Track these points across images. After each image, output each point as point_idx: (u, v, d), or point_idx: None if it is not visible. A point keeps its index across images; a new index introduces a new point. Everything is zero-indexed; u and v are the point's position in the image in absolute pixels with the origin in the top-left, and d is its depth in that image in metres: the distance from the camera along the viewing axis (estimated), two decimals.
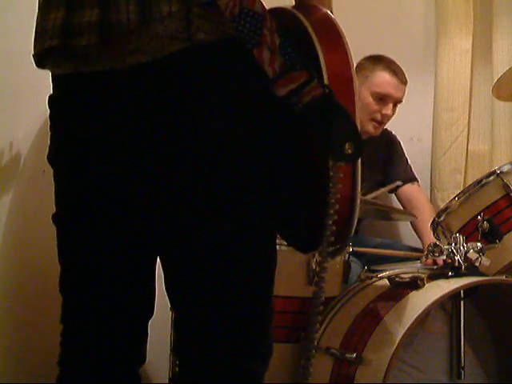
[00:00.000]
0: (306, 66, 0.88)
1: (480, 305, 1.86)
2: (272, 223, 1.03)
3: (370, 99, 2.50)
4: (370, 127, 2.52)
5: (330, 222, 0.91)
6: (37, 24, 1.01)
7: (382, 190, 2.45)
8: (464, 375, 1.78)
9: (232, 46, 0.93)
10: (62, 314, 1.07)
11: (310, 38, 0.90)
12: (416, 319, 1.60)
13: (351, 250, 2.02)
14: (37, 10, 1.01)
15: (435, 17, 3.00)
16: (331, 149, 0.88)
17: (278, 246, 1.88)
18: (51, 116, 1.06)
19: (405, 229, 2.86)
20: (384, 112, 2.50)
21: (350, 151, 0.87)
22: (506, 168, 2.08)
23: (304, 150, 0.97)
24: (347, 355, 1.67)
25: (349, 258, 2.00)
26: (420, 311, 1.61)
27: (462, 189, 2.40)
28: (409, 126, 2.99)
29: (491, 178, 2.08)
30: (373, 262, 2.21)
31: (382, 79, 2.51)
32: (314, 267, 1.88)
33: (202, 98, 0.93)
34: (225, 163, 0.95)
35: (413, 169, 2.78)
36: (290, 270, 1.91)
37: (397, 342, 1.57)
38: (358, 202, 0.93)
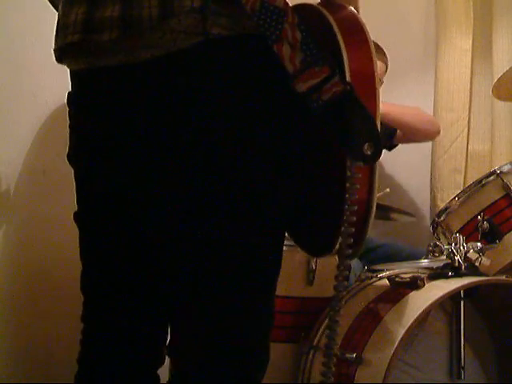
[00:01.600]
0: (328, 62, 0.86)
1: (480, 305, 1.86)
2: (283, 225, 1.01)
3: None
4: None
5: (348, 224, 0.89)
6: (59, 19, 1.01)
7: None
8: (464, 375, 1.78)
9: (250, 42, 0.92)
10: (83, 312, 1.08)
11: (334, 35, 0.89)
12: (416, 319, 1.60)
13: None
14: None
15: (435, 17, 3.00)
16: (350, 148, 0.86)
17: None
18: (70, 113, 1.06)
19: (405, 229, 2.86)
20: None
21: (369, 152, 0.85)
22: (506, 168, 2.08)
23: (322, 148, 0.96)
24: (347, 355, 1.67)
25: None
26: (420, 311, 1.61)
27: (462, 189, 2.40)
28: None
29: (491, 178, 2.08)
30: (373, 262, 2.21)
31: None
32: (313, 267, 1.88)
33: (215, 93, 0.92)
34: (237, 161, 0.93)
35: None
36: (289, 270, 1.91)
37: (397, 342, 1.57)
38: (375, 204, 0.91)
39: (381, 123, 2.75)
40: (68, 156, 1.06)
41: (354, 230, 0.89)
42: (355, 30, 0.91)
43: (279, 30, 0.86)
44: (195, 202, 0.95)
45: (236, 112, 0.92)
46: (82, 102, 1.01)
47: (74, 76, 1.02)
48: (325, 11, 0.93)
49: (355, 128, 0.85)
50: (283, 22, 0.86)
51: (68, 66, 1.02)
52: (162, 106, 0.93)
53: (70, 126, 1.05)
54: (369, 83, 0.90)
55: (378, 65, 2.44)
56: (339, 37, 0.88)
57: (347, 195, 0.88)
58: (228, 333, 0.99)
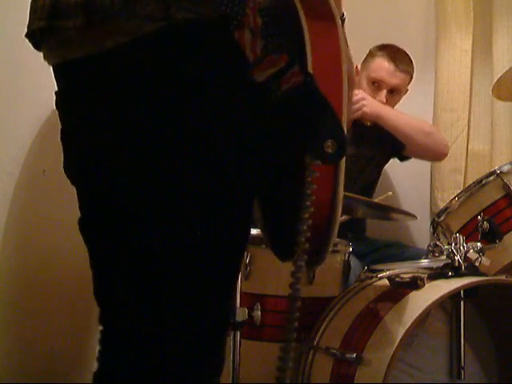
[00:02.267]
0: (287, 50, 0.79)
1: (480, 305, 1.86)
2: (238, 226, 0.92)
3: (365, 84, 2.49)
4: None
5: (305, 228, 0.81)
6: (30, 4, 0.97)
7: (378, 199, 2.46)
8: (464, 375, 1.78)
9: (213, 27, 0.85)
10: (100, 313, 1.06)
11: (298, 19, 0.80)
12: (416, 319, 1.60)
13: (351, 249, 2.03)
14: None
15: (435, 17, 3.00)
16: (308, 145, 0.78)
17: None
18: (59, 117, 1.02)
19: (405, 229, 2.86)
20: (378, 98, 2.46)
21: (330, 150, 0.77)
22: (506, 168, 2.08)
23: (280, 144, 0.87)
24: (347, 355, 1.67)
25: (349, 257, 2.00)
26: (420, 311, 1.61)
27: (462, 189, 2.40)
28: None
29: (491, 178, 2.08)
30: (373, 262, 2.21)
31: (378, 64, 2.49)
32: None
33: (177, 80, 0.86)
34: (192, 152, 0.86)
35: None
36: (289, 271, 1.91)
37: (397, 342, 1.57)
38: (339, 207, 0.83)
39: (391, 134, 2.71)
40: (64, 168, 1.01)
41: (309, 234, 0.81)
42: (323, 16, 0.81)
43: (241, 16, 0.81)
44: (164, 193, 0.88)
45: (197, 100, 0.86)
46: (62, 103, 0.98)
47: (53, 72, 0.99)
48: None
49: (315, 123, 0.77)
50: (245, 7, 0.80)
51: (47, 61, 0.99)
52: (131, 96, 0.88)
53: (61, 131, 1.00)
54: (334, 75, 0.80)
55: (401, 76, 2.48)
56: (303, 21, 0.78)
57: (304, 196, 0.80)
58: (176, 330, 0.90)
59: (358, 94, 2.44)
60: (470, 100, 2.96)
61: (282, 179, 0.89)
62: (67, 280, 1.91)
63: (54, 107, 0.99)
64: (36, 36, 0.96)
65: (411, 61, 2.55)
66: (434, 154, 2.65)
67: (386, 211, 2.35)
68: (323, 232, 0.85)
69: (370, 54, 2.53)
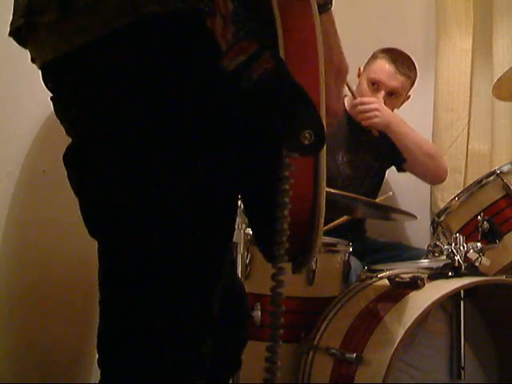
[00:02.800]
0: (258, 36, 0.74)
1: (480, 305, 1.86)
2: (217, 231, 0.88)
3: (365, 85, 2.48)
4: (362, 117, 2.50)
5: (284, 226, 0.75)
6: (14, 2, 0.96)
7: (379, 199, 2.47)
8: (464, 375, 1.78)
9: (183, 18, 0.81)
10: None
11: (269, 3, 0.75)
12: (416, 319, 1.60)
13: (351, 249, 2.03)
14: None
15: (435, 17, 3.00)
16: (284, 136, 0.73)
17: None
18: None
19: (405, 229, 2.87)
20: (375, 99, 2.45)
21: (307, 141, 0.72)
22: (506, 168, 2.08)
23: (255, 136, 0.82)
24: (347, 355, 1.67)
25: (349, 257, 2.00)
26: (420, 311, 1.61)
27: (462, 189, 2.40)
28: None
29: (491, 178, 2.08)
30: (373, 262, 2.21)
31: (379, 66, 2.48)
32: (313, 267, 1.88)
33: (150, 77, 0.83)
34: (162, 148, 0.83)
35: None
36: (289, 270, 1.91)
37: (397, 341, 1.57)
38: (322, 203, 0.77)
39: (394, 146, 2.70)
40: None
41: (288, 232, 0.76)
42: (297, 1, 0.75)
43: (211, 1, 0.76)
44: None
45: (173, 94, 0.83)
46: (54, 106, 0.98)
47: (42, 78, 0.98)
48: None
49: (289, 112, 0.73)
50: None
51: (35, 64, 0.98)
52: (107, 97, 0.86)
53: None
54: (310, 61, 0.74)
55: (401, 79, 2.47)
56: (275, 6, 0.73)
57: (280, 192, 0.75)
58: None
59: (373, 102, 2.43)
60: (470, 100, 2.96)
61: (259, 175, 0.85)
62: (67, 280, 1.91)
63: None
64: (18, 35, 0.95)
65: (414, 66, 2.54)
66: (432, 177, 2.66)
67: (386, 211, 2.35)
68: (307, 230, 0.79)
69: (373, 56, 2.53)
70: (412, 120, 2.99)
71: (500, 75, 2.34)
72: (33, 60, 0.97)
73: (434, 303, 1.63)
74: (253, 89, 0.73)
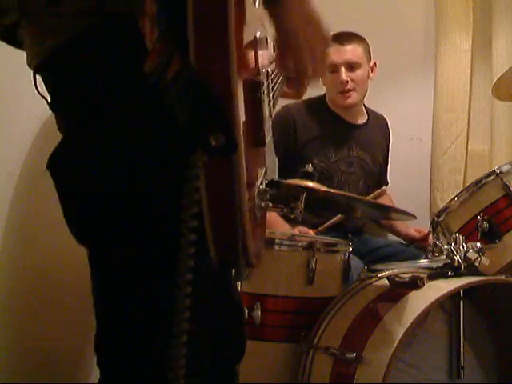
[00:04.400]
0: (169, 38, 0.73)
1: (480, 305, 1.86)
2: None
3: (327, 75, 2.49)
4: (339, 100, 2.52)
5: (187, 230, 0.74)
6: None
7: (371, 195, 2.47)
8: (463, 375, 1.78)
9: (131, 19, 0.79)
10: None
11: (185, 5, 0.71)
12: (416, 319, 1.60)
13: (351, 249, 2.03)
14: None
15: (435, 17, 3.01)
16: (189, 137, 0.71)
17: (278, 246, 1.91)
18: None
19: None
20: (340, 79, 2.46)
21: (214, 143, 0.70)
22: (505, 168, 2.08)
23: (169, 141, 0.81)
24: (347, 355, 1.67)
25: (349, 257, 2.01)
26: (420, 311, 1.61)
27: (461, 189, 2.40)
28: (409, 126, 3.00)
29: (491, 178, 2.08)
30: (373, 262, 2.21)
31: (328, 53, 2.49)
32: (313, 267, 1.88)
33: (120, 78, 0.83)
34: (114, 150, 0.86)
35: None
36: (289, 270, 1.91)
37: (396, 341, 1.57)
38: (243, 209, 0.74)
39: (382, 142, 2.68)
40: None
41: (193, 236, 0.74)
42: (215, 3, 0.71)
43: (141, 2, 0.75)
44: None
45: (132, 98, 0.83)
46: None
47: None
48: None
49: (195, 115, 0.71)
50: None
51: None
52: (77, 103, 0.88)
53: None
54: (221, 63, 0.70)
55: (348, 49, 2.48)
56: (189, 7, 0.70)
57: (186, 196, 0.73)
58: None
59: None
60: (470, 100, 2.96)
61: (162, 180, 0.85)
62: (67, 280, 1.91)
63: None
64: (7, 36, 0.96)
65: (358, 36, 2.52)
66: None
67: (386, 211, 2.35)
68: (230, 234, 0.75)
69: None
70: (412, 120, 3.01)
71: (500, 75, 2.34)
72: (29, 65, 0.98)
73: (433, 303, 1.63)
74: (166, 90, 0.73)
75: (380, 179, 2.70)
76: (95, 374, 2.18)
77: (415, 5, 3.05)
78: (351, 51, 2.47)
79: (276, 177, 2.37)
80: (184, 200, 0.74)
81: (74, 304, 1.95)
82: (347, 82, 2.47)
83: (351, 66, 2.48)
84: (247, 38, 0.81)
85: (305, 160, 2.28)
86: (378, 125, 2.70)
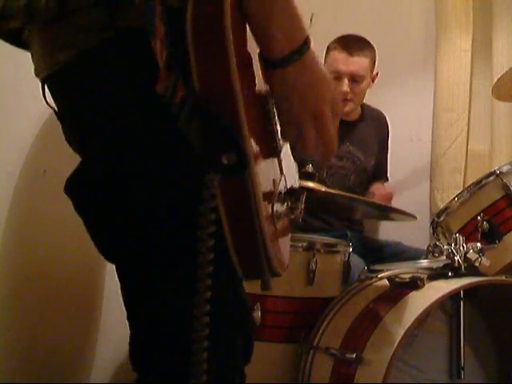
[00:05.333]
0: (175, 62, 0.73)
1: (480, 305, 1.86)
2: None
3: None
4: None
5: (206, 249, 0.75)
6: None
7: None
8: (464, 375, 1.78)
9: (143, 35, 0.78)
10: None
11: (184, 29, 0.72)
12: (416, 319, 1.60)
13: (351, 249, 2.03)
14: None
15: (435, 17, 3.01)
16: (203, 159, 0.73)
17: None
18: None
19: (405, 229, 2.86)
20: (341, 89, 2.45)
21: (226, 162, 0.71)
22: (505, 168, 2.08)
23: (181, 159, 0.83)
24: (347, 355, 1.67)
25: (349, 257, 2.00)
26: (420, 311, 1.61)
27: (461, 189, 2.40)
28: (409, 126, 3.00)
29: (491, 178, 2.08)
30: (373, 262, 2.21)
31: (333, 57, 2.48)
32: (313, 267, 1.88)
33: (132, 93, 0.85)
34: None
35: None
36: (290, 271, 1.91)
37: (397, 342, 1.57)
38: (262, 224, 0.75)
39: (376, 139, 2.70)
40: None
41: (212, 255, 0.75)
42: (212, 26, 0.71)
43: (154, 23, 0.75)
44: None
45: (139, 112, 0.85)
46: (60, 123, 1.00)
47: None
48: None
49: (205, 137, 0.72)
50: (154, 14, 0.75)
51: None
52: (91, 116, 0.89)
53: None
54: (224, 90, 0.72)
55: (356, 61, 2.46)
56: (189, 32, 0.71)
57: (202, 215, 0.74)
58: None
59: None
60: (470, 100, 2.96)
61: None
62: (67, 280, 1.91)
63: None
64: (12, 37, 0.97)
65: (368, 44, 2.51)
66: None
67: (386, 211, 2.35)
68: (250, 247, 0.77)
69: (327, 49, 2.52)
70: (412, 120, 3.00)
71: (500, 75, 2.34)
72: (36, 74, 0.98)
73: (433, 303, 1.63)
74: (176, 113, 0.73)
75: (375, 175, 2.69)
76: (95, 374, 2.20)
77: (415, 5, 3.05)
78: (358, 64, 2.46)
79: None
80: (201, 219, 0.74)
81: (74, 304, 1.95)
82: (348, 92, 2.47)
83: (355, 79, 2.47)
84: (252, 51, 0.81)
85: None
86: (374, 120, 2.69)
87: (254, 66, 0.83)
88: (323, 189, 1.93)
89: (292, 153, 1.07)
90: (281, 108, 0.86)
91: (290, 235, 1.03)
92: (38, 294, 1.84)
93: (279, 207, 0.88)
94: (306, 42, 0.82)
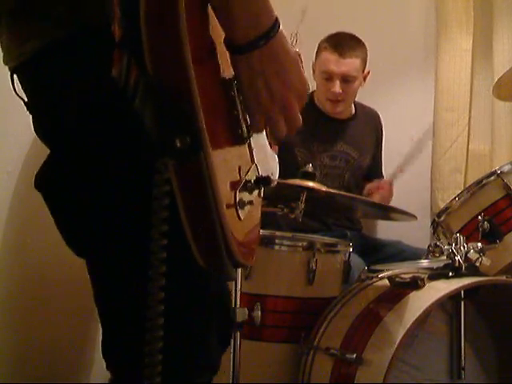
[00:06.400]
0: (126, 40, 0.70)
1: (480, 305, 1.86)
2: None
3: (320, 79, 2.49)
4: (328, 106, 2.52)
5: (159, 235, 0.73)
6: None
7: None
8: (464, 375, 1.78)
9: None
10: None
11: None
12: (416, 319, 1.60)
13: (351, 249, 2.03)
14: None
15: (435, 17, 3.01)
16: (155, 142, 0.70)
17: (278, 246, 1.90)
18: None
19: (406, 229, 2.86)
20: (332, 90, 2.45)
21: (180, 145, 0.68)
22: (506, 168, 2.08)
23: (136, 144, 0.78)
24: (347, 355, 1.67)
25: (349, 257, 2.00)
26: (420, 311, 1.61)
27: (462, 189, 2.40)
28: (409, 126, 3.00)
29: (491, 178, 2.08)
30: (373, 262, 2.21)
31: (324, 57, 2.47)
32: (313, 267, 1.88)
33: (97, 90, 0.83)
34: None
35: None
36: (290, 271, 1.91)
37: (397, 342, 1.57)
38: (220, 209, 0.72)
39: (372, 137, 2.72)
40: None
41: (166, 240, 0.73)
42: (165, 4, 0.68)
43: (112, 9, 0.71)
44: None
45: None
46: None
47: None
48: None
49: (159, 119, 0.69)
50: None
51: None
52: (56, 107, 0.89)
53: None
54: (179, 68, 0.68)
55: (347, 62, 2.45)
56: (142, 8, 0.68)
57: (155, 200, 0.72)
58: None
59: None
60: (471, 100, 2.96)
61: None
62: (67, 280, 1.91)
63: None
64: None
65: (359, 43, 2.48)
66: None
67: (386, 211, 2.35)
68: (207, 232, 0.74)
69: (318, 48, 2.52)
70: (412, 120, 3.00)
71: (500, 75, 2.33)
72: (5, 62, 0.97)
73: (434, 303, 1.63)
74: (132, 96, 0.71)
75: (372, 172, 2.69)
76: (95, 373, 2.19)
77: (415, 5, 3.05)
78: (350, 65, 2.44)
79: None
80: (154, 204, 0.72)
81: (73, 304, 1.94)
82: (339, 93, 2.47)
83: (346, 80, 2.46)
84: (217, 39, 0.79)
85: (287, 151, 2.29)
86: (367, 119, 2.69)
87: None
88: (323, 188, 1.93)
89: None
90: (247, 95, 0.82)
91: (258, 225, 0.99)
92: (37, 294, 1.84)
93: (246, 195, 0.85)
94: (274, 27, 0.78)
